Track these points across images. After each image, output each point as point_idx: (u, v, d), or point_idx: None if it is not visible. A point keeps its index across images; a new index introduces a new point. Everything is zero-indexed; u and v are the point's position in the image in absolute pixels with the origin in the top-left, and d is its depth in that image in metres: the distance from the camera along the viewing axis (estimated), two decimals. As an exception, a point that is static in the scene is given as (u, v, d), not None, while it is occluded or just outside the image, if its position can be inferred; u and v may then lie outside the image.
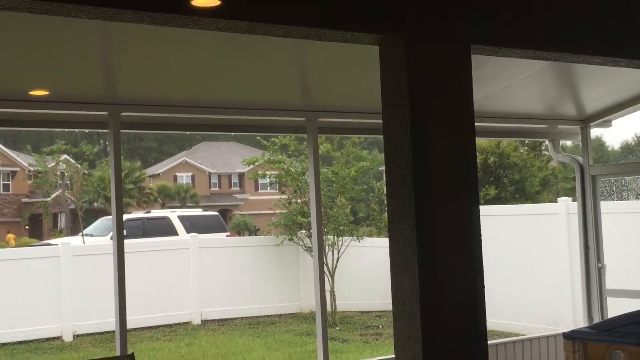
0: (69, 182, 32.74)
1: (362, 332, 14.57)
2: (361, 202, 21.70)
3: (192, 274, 15.84)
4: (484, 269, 3.72)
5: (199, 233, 18.46)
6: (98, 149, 31.04)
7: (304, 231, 16.13)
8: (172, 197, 40.81)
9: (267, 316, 16.19)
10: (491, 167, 24.22)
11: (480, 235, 3.71)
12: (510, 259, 12.95)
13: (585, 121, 7.66)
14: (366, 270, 16.35)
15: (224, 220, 29.56)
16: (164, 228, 23.67)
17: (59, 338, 14.25)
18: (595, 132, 7.41)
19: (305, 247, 16.11)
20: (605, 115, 7.49)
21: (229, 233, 27.22)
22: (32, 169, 33.84)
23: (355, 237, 16.50)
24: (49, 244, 20.92)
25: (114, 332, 5.64)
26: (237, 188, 48.33)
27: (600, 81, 6.61)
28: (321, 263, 6.33)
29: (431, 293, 3.53)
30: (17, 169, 39.85)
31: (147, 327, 14.97)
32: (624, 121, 7.86)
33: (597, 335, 5.67)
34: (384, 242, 16.60)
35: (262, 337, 14.39)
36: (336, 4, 3.42)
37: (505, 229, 13.11)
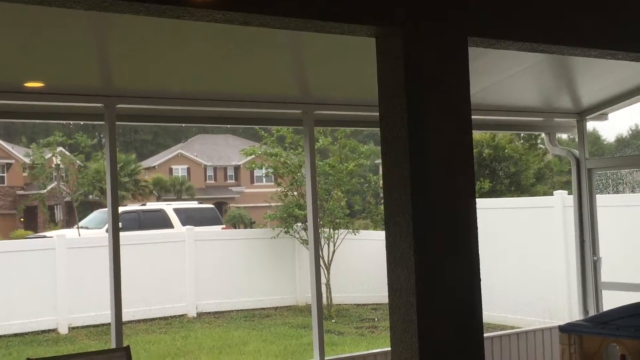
0: (64, 175, 32.69)
1: (358, 325, 14.59)
2: (357, 194, 21.71)
3: (187, 266, 15.84)
4: (480, 262, 3.72)
5: (195, 226, 18.46)
6: (94, 141, 30.96)
7: (300, 224, 16.12)
8: (167, 190, 40.79)
9: (262, 309, 16.20)
10: (486, 160, 24.21)
11: (476, 227, 3.70)
12: (506, 252, 12.97)
13: (582, 114, 7.66)
14: (362, 263, 16.37)
15: (220, 213, 29.54)
16: (160, 221, 23.66)
17: (54, 330, 14.25)
18: (590, 125, 7.39)
19: (301, 239, 16.12)
20: (601, 108, 7.49)
21: (224, 226, 27.21)
22: (27, 161, 33.74)
23: (351, 230, 16.51)
24: (45, 237, 20.90)
25: (109, 324, 5.63)
26: (233, 181, 48.32)
27: (597, 74, 6.61)
28: (317, 256, 6.32)
29: (427, 285, 3.52)
30: (12, 161, 39.75)
31: (143, 320, 14.99)
32: (619, 114, 7.86)
33: (593, 328, 5.68)
34: (380, 234, 16.68)
35: (258, 329, 14.41)
36: (333, -4, 3.41)
37: (501, 222, 13.12)
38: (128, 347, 5.09)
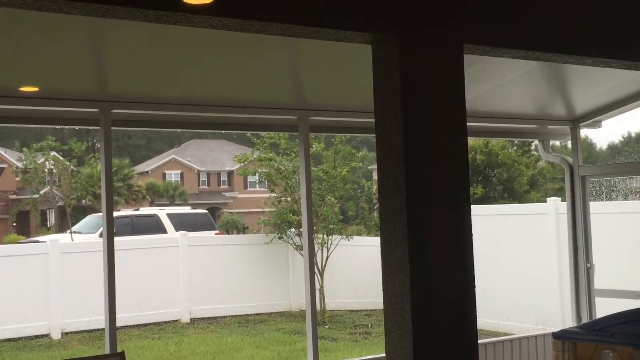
0: (57, 179, 32.61)
1: (351, 331, 14.58)
2: (350, 200, 21.72)
3: (181, 272, 15.82)
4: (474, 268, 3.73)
5: (188, 231, 18.44)
6: (86, 145, 30.87)
7: (294, 229, 16.12)
8: (160, 195, 40.75)
9: (256, 314, 16.19)
10: (479, 166, 24.24)
11: (472, 234, 3.72)
12: (499, 258, 13.00)
13: (575, 121, 7.68)
14: (355, 269, 16.38)
15: (213, 218, 29.52)
16: (153, 226, 23.61)
17: (47, 335, 14.21)
18: (582, 132, 7.42)
19: (294, 245, 16.11)
20: (595, 115, 7.51)
21: (218, 231, 27.18)
22: (20, 165, 33.66)
23: (344, 236, 16.51)
24: (37, 241, 20.83)
25: (102, 329, 5.64)
26: (226, 186, 48.29)
27: (591, 82, 6.63)
28: (312, 262, 6.32)
29: (422, 292, 3.53)
30: (5, 165, 39.62)
31: (136, 325, 14.94)
32: (611, 122, 7.89)
33: (587, 335, 5.69)
34: (373, 240, 16.71)
35: (251, 335, 14.39)
36: (329, 3, 3.42)
37: (494, 229, 13.15)
38: (122, 353, 5.08)
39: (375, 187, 19.79)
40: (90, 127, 5.82)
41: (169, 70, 5.22)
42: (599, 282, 7.66)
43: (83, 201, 34.65)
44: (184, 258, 15.93)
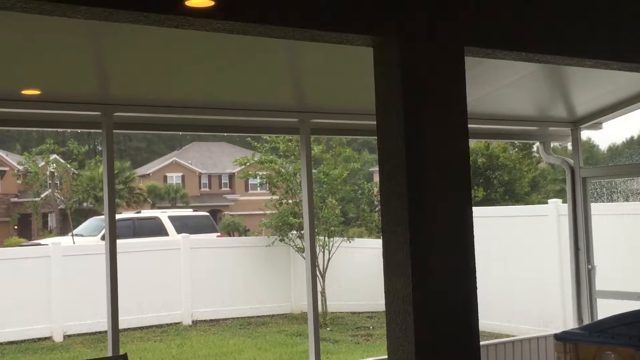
0: (58, 182, 32.61)
1: (353, 333, 14.58)
2: (351, 202, 21.74)
3: (183, 274, 15.82)
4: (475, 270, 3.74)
5: (190, 233, 18.42)
6: (87, 148, 30.88)
7: (295, 232, 16.12)
8: (162, 198, 40.72)
9: (258, 317, 16.17)
10: (480, 168, 24.25)
11: (473, 236, 3.72)
12: (501, 260, 12.98)
13: (576, 123, 7.70)
14: (357, 270, 16.36)
15: (214, 221, 29.52)
16: (154, 228, 23.62)
17: (49, 338, 14.20)
18: (583, 134, 7.45)
19: (296, 247, 16.11)
20: (596, 117, 7.53)
21: (219, 233, 27.19)
22: (21, 168, 33.67)
23: (345, 238, 16.51)
24: (39, 244, 20.84)
25: (104, 332, 5.65)
26: (227, 188, 48.28)
27: (592, 84, 6.65)
28: (314, 264, 6.33)
29: (424, 294, 3.54)
30: (6, 168, 39.66)
31: (138, 328, 14.93)
32: (612, 123, 7.91)
33: (588, 337, 5.69)
34: (375, 242, 16.70)
35: (253, 337, 14.38)
36: (331, 6, 3.43)
37: (496, 231, 13.13)
38: (125, 355, 5.09)
39: (376, 188, 19.83)
40: (92, 130, 5.84)
41: (171, 73, 5.23)
42: (600, 284, 7.67)
43: (84, 204, 34.64)
44: (186, 260, 15.93)
